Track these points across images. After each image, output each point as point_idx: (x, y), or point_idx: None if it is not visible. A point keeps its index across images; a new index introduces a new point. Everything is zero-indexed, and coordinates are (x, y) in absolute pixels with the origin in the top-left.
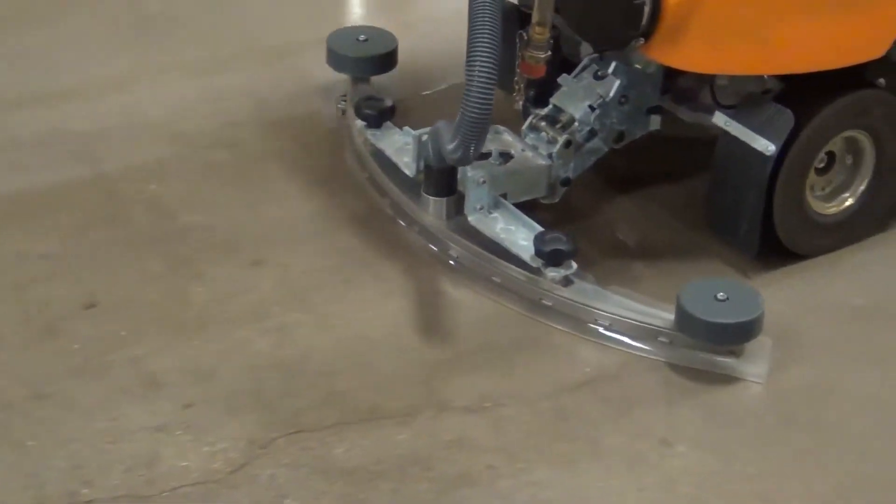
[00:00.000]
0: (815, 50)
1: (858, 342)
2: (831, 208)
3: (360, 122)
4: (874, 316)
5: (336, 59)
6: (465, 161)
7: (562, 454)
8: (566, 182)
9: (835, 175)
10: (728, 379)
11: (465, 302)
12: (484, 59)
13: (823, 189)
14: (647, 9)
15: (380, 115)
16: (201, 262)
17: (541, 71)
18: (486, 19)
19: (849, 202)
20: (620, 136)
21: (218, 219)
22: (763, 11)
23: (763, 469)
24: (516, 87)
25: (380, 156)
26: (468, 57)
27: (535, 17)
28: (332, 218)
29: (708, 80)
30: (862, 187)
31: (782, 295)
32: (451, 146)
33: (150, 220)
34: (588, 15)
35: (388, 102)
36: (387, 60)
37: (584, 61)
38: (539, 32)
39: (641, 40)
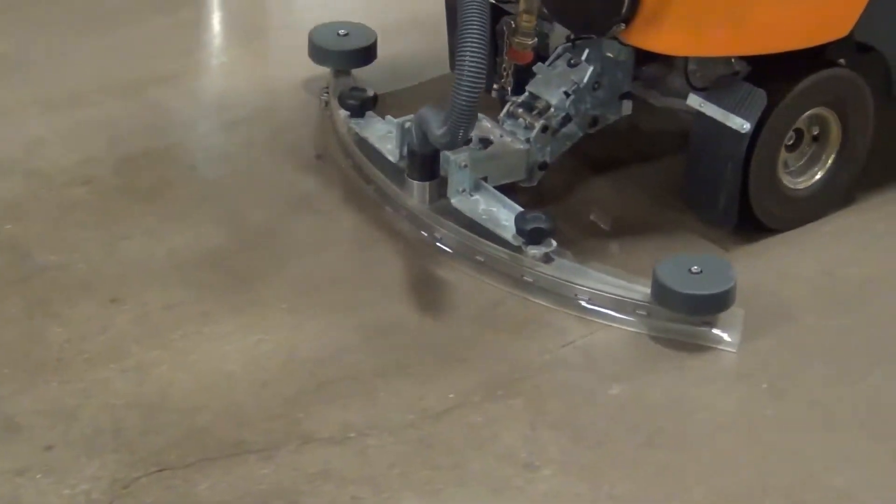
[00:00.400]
0: (786, 30)
1: (728, 357)
2: (802, 182)
3: (343, 112)
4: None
5: (318, 53)
6: (453, 145)
7: (427, 482)
8: (543, 166)
9: (803, 151)
10: (595, 396)
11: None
12: (474, 48)
13: (794, 165)
14: None
15: (362, 104)
16: (59, 302)
17: (528, 57)
18: (475, 10)
19: (818, 176)
20: (594, 121)
21: (75, 257)
22: None
23: (628, 489)
24: (504, 73)
25: (363, 143)
26: (459, 46)
27: (522, 6)
28: (191, 252)
29: (677, 65)
30: (829, 162)
31: None
32: (440, 131)
33: (5, 261)
34: (570, 2)
35: (371, 93)
36: (366, 54)
37: (558, 50)
38: (526, 20)
39: (622, 26)
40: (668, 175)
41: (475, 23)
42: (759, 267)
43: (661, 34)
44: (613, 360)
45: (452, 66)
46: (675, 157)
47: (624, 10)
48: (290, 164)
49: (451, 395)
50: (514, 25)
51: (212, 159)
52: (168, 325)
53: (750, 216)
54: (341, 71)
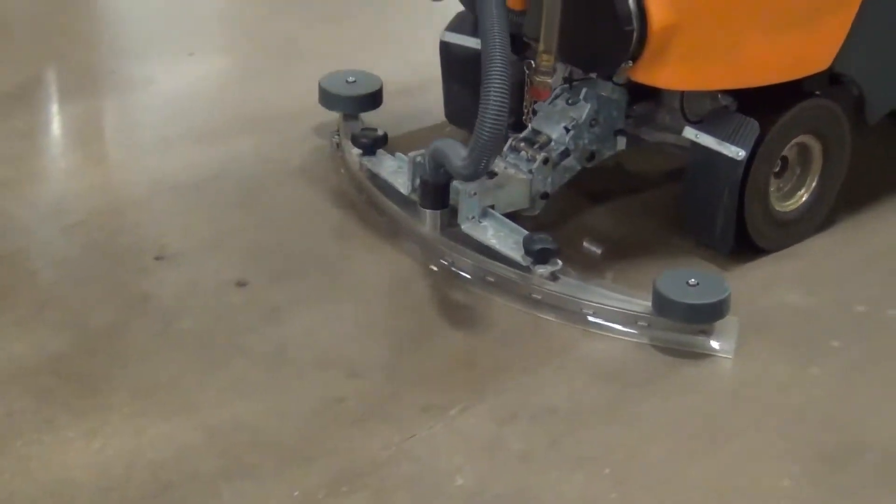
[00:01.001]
0: (775, 65)
1: (569, 442)
2: (790, 205)
3: (356, 151)
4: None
5: (328, 99)
6: (474, 176)
7: None
8: (545, 196)
9: (790, 176)
10: (440, 488)
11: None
12: (497, 84)
13: (782, 189)
14: (635, 34)
15: (374, 143)
16: None
17: (547, 94)
18: (498, 50)
19: (804, 199)
20: (592, 156)
21: None
22: (731, 32)
23: None
24: (525, 110)
25: (375, 179)
26: (483, 83)
27: (541, 47)
28: (32, 358)
29: (667, 102)
30: (813, 185)
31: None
32: (461, 162)
33: None
34: (580, 43)
35: (381, 132)
36: (373, 99)
37: (557, 90)
38: (546, 60)
39: (630, 63)
40: (657, 205)
41: (498, 61)
42: None
43: (664, 71)
44: (458, 452)
45: (447, 114)
46: (660, 191)
47: (631, 50)
48: (130, 265)
49: (296, 493)
50: (534, 66)
51: (52, 264)
52: (9, 433)
53: (745, 238)
54: (350, 115)
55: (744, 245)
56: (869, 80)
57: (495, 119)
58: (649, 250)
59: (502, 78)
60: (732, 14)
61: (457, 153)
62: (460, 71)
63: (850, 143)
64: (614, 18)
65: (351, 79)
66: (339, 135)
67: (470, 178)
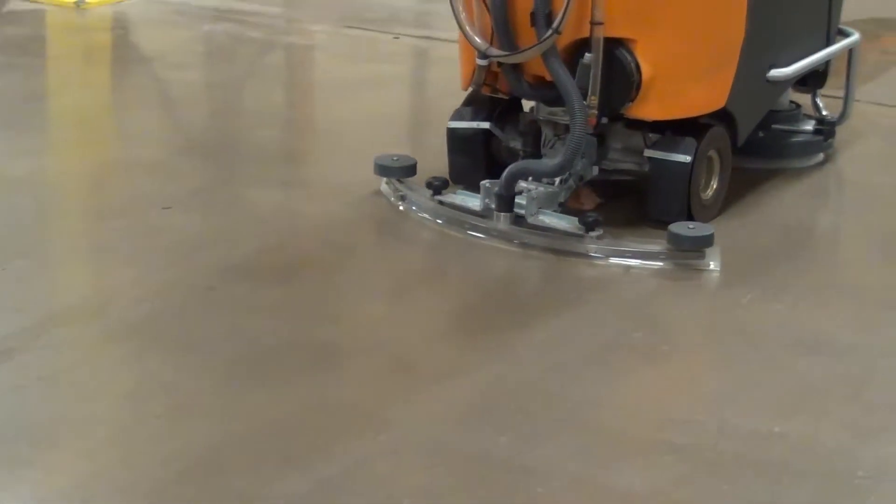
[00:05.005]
0: (699, 103)
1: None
2: (707, 194)
3: (427, 192)
4: None
5: (383, 170)
6: (566, 170)
7: None
8: (561, 204)
9: (703, 179)
10: None
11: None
12: (579, 117)
13: (700, 185)
14: (635, 82)
15: (442, 185)
16: None
17: (595, 121)
18: (575, 99)
19: (714, 189)
20: (581, 178)
21: None
22: (680, 81)
23: None
24: (542, 144)
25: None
26: (570, 117)
27: (590, 92)
28: None
29: (611, 145)
30: (717, 182)
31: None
32: (553, 163)
33: None
34: (601, 93)
35: (444, 179)
36: (413, 169)
37: (551, 138)
38: (594, 99)
39: (629, 104)
40: (616, 211)
41: (577, 106)
42: None
43: (647, 107)
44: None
45: (451, 176)
46: (620, 201)
47: (632, 94)
48: None
49: None
50: (586, 102)
51: None
52: None
53: (689, 216)
54: (400, 180)
55: (689, 219)
56: (741, 113)
57: (580, 136)
58: (633, 226)
59: (582, 113)
60: (681, 69)
61: (541, 163)
62: (461, 146)
63: (731, 156)
64: (624, 73)
65: (395, 157)
66: (401, 190)
67: (562, 172)
